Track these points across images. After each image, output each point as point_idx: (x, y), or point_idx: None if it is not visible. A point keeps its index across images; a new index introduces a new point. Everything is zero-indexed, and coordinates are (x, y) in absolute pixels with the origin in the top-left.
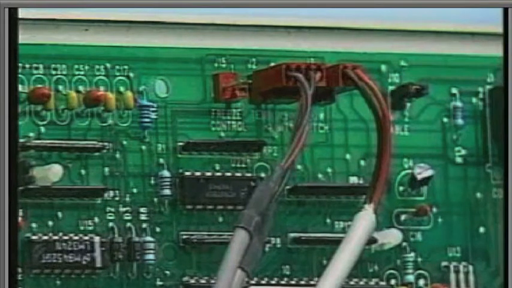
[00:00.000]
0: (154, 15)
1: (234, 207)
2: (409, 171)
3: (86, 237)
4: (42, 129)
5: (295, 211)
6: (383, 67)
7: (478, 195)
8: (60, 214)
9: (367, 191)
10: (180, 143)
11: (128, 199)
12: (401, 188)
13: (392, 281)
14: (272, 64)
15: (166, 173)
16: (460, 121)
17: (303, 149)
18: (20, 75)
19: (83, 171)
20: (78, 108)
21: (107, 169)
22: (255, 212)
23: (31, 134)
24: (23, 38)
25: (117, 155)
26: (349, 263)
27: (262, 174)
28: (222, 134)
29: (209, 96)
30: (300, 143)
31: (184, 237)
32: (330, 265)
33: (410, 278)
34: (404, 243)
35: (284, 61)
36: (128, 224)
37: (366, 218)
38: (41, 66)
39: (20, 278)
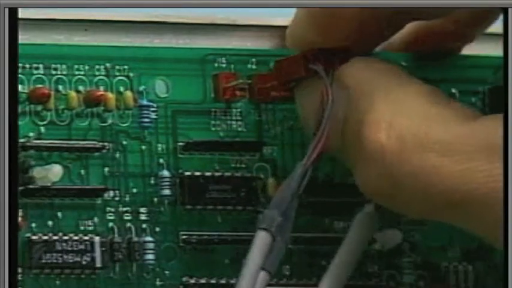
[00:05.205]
0: (154, 15)
1: (234, 207)
2: None
3: (86, 237)
4: (42, 129)
5: (295, 211)
6: None
7: None
8: (60, 214)
9: None
10: (180, 143)
11: (127, 199)
12: None
13: (392, 281)
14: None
15: (166, 173)
16: None
17: (326, 146)
18: (20, 75)
19: (82, 171)
20: (78, 108)
21: (106, 169)
22: (277, 212)
23: (31, 134)
24: (23, 38)
25: (117, 155)
26: (351, 263)
27: (262, 175)
28: (222, 134)
29: (209, 96)
30: (322, 140)
31: (184, 237)
32: (331, 265)
33: (410, 278)
34: (404, 243)
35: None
36: (128, 224)
37: (367, 218)
38: (41, 66)
39: (20, 278)
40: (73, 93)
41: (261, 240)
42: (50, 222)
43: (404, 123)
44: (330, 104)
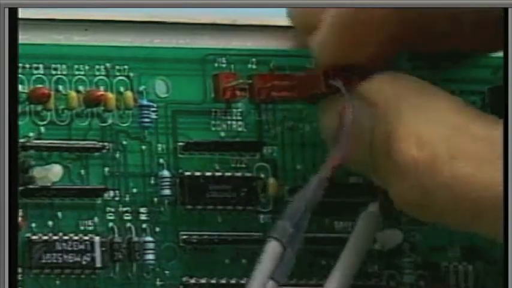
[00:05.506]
0: (155, 15)
1: (234, 207)
2: None
3: (86, 237)
4: (42, 129)
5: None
6: None
7: None
8: (60, 214)
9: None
10: (180, 143)
11: (127, 199)
12: None
13: (392, 281)
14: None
15: (166, 173)
16: None
17: (344, 159)
18: (20, 75)
19: (82, 171)
20: (78, 108)
21: (106, 169)
22: (289, 223)
23: (31, 134)
24: (23, 38)
25: (117, 155)
26: (357, 262)
27: (262, 175)
28: (222, 134)
29: (209, 96)
30: (339, 153)
31: (184, 237)
32: (337, 265)
33: (410, 278)
34: (404, 243)
35: (285, 61)
36: (128, 224)
37: (371, 217)
38: (41, 66)
39: (20, 278)
40: (73, 93)
41: (271, 249)
42: (50, 222)
43: (434, 135)
44: (350, 119)
